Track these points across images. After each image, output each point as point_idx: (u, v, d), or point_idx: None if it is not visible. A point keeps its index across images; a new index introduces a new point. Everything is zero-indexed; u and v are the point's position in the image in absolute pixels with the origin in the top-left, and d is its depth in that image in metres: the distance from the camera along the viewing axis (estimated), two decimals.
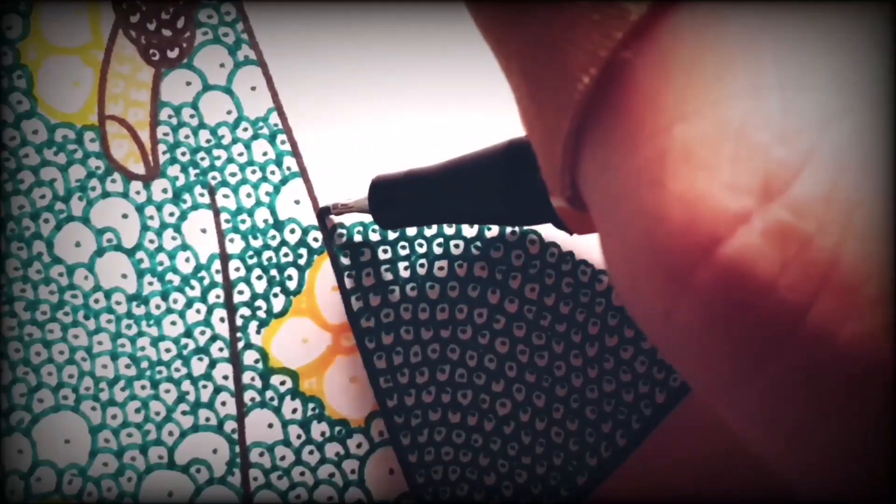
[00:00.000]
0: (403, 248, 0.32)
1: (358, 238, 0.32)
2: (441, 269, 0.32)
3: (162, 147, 0.32)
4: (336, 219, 0.32)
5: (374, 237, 0.33)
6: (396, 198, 0.29)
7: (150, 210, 0.32)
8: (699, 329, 0.15)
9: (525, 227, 0.32)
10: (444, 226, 0.32)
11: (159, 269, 0.32)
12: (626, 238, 0.16)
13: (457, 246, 0.32)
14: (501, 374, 0.32)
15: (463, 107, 0.32)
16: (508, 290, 0.32)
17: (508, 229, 0.32)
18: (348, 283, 0.32)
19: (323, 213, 0.31)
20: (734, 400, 0.16)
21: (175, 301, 0.32)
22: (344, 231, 0.32)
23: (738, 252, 0.14)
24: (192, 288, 0.32)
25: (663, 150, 0.15)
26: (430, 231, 0.32)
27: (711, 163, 0.15)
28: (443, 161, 0.27)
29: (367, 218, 0.33)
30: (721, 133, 0.14)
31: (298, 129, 0.33)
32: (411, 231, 0.33)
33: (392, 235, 0.32)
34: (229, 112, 0.33)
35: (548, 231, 0.33)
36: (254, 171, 0.33)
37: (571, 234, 0.23)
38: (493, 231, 0.32)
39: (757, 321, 0.14)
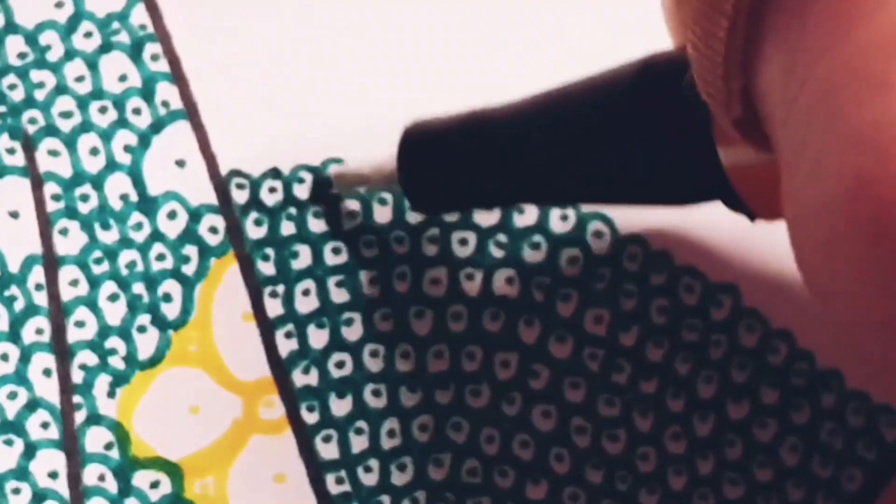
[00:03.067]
0: (369, 245, 0.27)
1: (289, 227, 0.27)
2: (436, 282, 0.27)
3: None
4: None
5: (317, 226, 0.27)
6: (448, 160, 0.26)
7: None
8: None
9: (612, 223, 0.28)
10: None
11: None
12: (826, 166, 0.15)
13: (463, 242, 0.27)
14: (543, 472, 0.26)
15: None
16: (555, 318, 0.27)
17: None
18: (272, 305, 0.27)
19: (318, 189, 0.28)
20: None
21: None
22: (264, 216, 0.27)
23: None
24: None
25: (889, 33, 0.14)
26: (416, 216, 0.28)
27: None
28: (524, 97, 0.25)
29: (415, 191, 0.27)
30: None
31: (183, 36, 0.28)
32: (383, 217, 0.27)
33: (352, 224, 0.27)
34: (59, 4, 0.28)
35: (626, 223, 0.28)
36: (103, 109, 0.28)
37: (753, 218, 0.22)
38: (526, 216, 0.28)
39: None
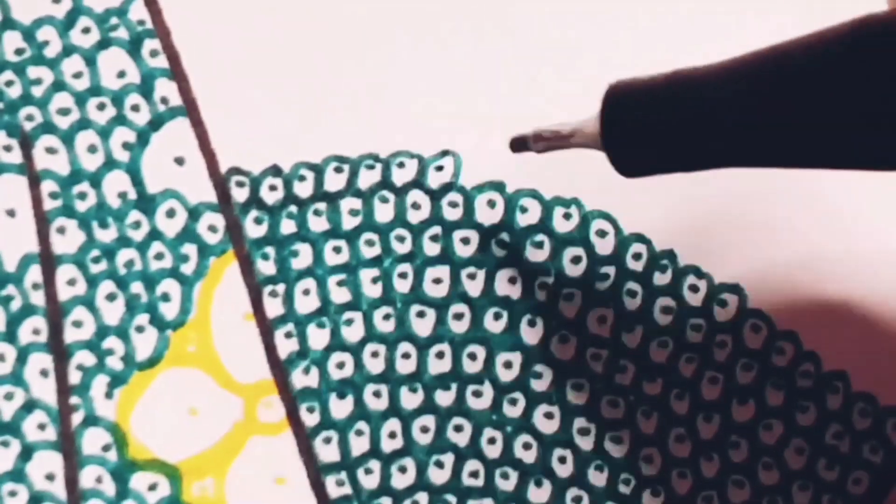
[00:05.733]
0: (370, 243, 0.27)
1: (289, 226, 0.27)
2: (438, 281, 0.27)
3: None
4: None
5: (319, 224, 0.27)
6: (654, 120, 0.25)
7: None
8: None
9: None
10: (444, 204, 0.28)
11: None
12: None
13: (465, 241, 0.27)
14: (545, 474, 0.26)
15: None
16: (558, 318, 0.27)
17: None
18: (272, 305, 0.27)
19: (517, 148, 0.28)
20: None
21: None
22: (264, 215, 0.27)
23: None
24: None
25: None
26: (420, 214, 0.27)
27: None
28: (729, 59, 0.25)
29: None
30: None
31: (183, 32, 0.28)
32: (385, 215, 0.27)
33: (353, 222, 0.27)
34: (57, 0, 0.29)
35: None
36: (101, 106, 0.28)
37: None
38: (529, 215, 0.28)
39: None
